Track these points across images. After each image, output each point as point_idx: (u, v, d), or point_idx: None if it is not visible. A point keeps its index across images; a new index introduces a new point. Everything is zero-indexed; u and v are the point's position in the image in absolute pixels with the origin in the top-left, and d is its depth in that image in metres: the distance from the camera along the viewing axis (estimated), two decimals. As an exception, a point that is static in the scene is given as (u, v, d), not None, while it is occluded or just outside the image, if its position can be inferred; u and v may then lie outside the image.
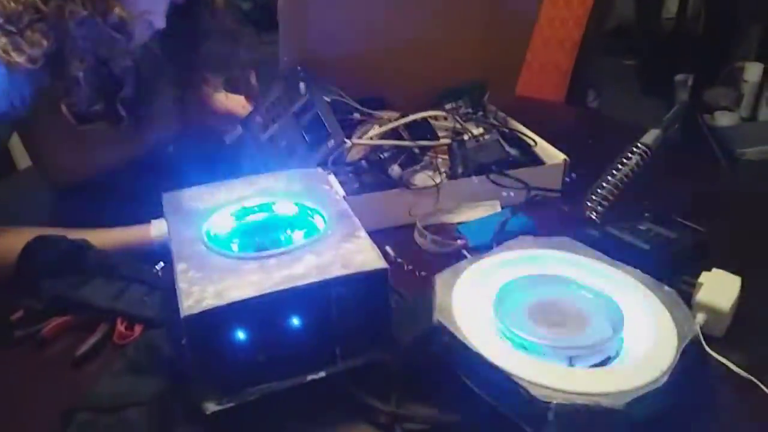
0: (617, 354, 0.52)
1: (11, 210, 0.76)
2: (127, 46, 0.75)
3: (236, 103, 0.99)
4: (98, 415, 0.51)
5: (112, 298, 0.65)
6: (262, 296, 0.51)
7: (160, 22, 0.77)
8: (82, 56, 0.73)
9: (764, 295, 0.66)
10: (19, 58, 0.67)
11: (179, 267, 0.55)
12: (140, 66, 0.81)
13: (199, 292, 0.51)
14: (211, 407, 0.52)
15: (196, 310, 0.49)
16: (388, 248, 0.75)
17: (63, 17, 0.69)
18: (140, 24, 0.75)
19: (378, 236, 0.58)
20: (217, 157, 0.97)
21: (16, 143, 0.98)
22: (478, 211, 0.83)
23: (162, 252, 0.73)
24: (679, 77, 2.81)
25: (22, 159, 1.11)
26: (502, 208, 0.84)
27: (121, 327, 0.63)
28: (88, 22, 0.70)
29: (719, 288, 0.62)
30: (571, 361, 0.51)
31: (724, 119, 2.33)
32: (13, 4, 0.66)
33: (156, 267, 0.71)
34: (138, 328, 0.63)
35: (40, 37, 0.69)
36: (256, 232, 0.63)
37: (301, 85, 0.85)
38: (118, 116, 0.83)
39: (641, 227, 0.73)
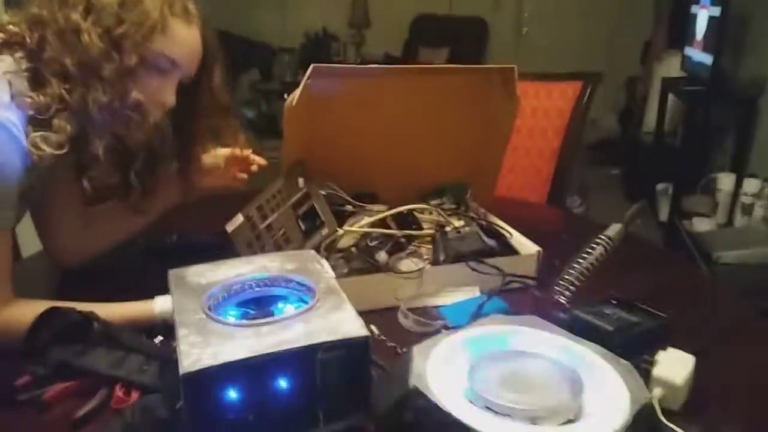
0: (576, 418, 0.56)
1: (19, 292, 0.82)
2: (142, 123, 0.83)
3: (223, 155, 1.05)
4: (94, 469, 0.55)
5: (113, 365, 0.70)
6: (253, 358, 0.56)
7: (171, 100, 0.85)
8: (101, 136, 0.81)
9: (720, 374, 0.72)
10: (47, 149, 0.76)
11: (181, 332, 0.60)
12: (151, 140, 0.88)
13: (198, 353, 0.57)
14: (202, 466, 0.56)
15: (194, 369, 0.55)
16: (373, 327, 0.81)
17: (86, 105, 0.77)
18: (154, 104, 0.84)
19: (364, 317, 0.63)
20: (217, 244, 1.05)
21: (20, 230, 1.06)
22: (458, 295, 0.90)
23: (163, 327, 0.79)
24: (660, 186, 2.98)
25: (25, 247, 1.18)
26: (481, 293, 0.90)
27: (119, 392, 0.68)
28: (109, 106, 0.78)
29: (674, 365, 0.67)
30: (534, 423, 0.55)
31: (701, 225, 2.44)
32: (42, 98, 0.75)
33: (155, 340, 0.77)
34: (135, 395, 0.68)
35: (65, 123, 0.77)
36: (253, 305, 0.69)
37: (300, 179, 0.94)
38: (130, 187, 0.90)
39: (607, 311, 0.79)
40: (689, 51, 2.95)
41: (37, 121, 0.76)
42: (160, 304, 0.80)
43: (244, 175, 1.08)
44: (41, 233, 0.99)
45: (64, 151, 0.78)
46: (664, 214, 2.75)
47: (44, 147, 0.76)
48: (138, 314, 0.81)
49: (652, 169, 3.10)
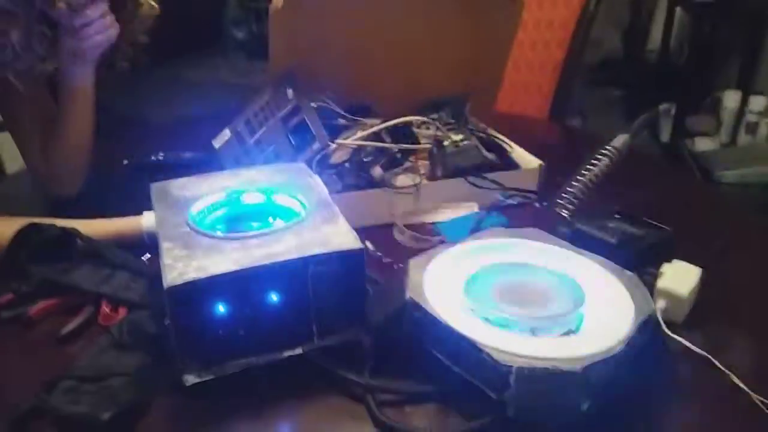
0: (578, 329, 0.55)
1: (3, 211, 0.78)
2: None
3: None
4: (81, 383, 0.53)
5: (99, 282, 0.67)
6: (242, 271, 0.54)
7: None
8: (18, 21, 0.73)
9: (725, 287, 0.70)
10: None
11: (165, 245, 0.57)
12: None
13: (183, 267, 0.54)
14: (191, 379, 0.55)
15: (179, 282, 0.52)
16: (368, 243, 0.78)
17: None
18: None
19: (359, 234, 0.60)
20: (205, 160, 1.01)
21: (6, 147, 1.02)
22: (456, 211, 0.87)
23: (151, 244, 0.76)
24: (662, 106, 2.90)
25: (11, 163, 1.14)
26: (480, 209, 0.87)
27: (106, 309, 0.65)
28: None
29: (679, 276, 0.65)
30: (534, 334, 0.53)
31: (704, 144, 2.39)
32: None
33: (143, 257, 0.74)
34: (122, 311, 0.66)
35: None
36: (240, 219, 0.66)
37: (289, 90, 0.89)
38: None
39: (610, 225, 0.76)
40: (700, -39, 2.79)
41: None
42: (148, 219, 0.77)
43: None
44: (26, 159, 0.95)
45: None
46: (665, 135, 2.69)
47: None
48: (125, 230, 0.78)
49: (655, 88, 3.01)
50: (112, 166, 1.04)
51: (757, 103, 2.27)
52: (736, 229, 0.89)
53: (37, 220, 0.72)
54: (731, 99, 2.40)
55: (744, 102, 2.35)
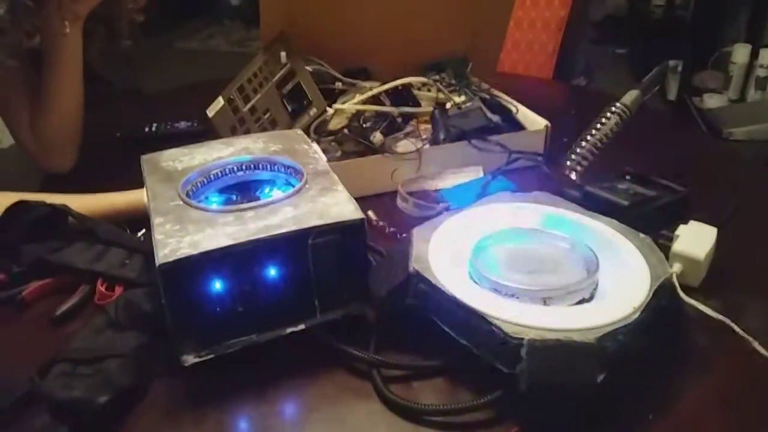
0: (592, 297, 0.52)
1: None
2: None
3: None
4: (76, 365, 0.51)
5: (92, 260, 0.65)
6: (237, 245, 0.51)
7: None
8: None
9: (741, 248, 0.67)
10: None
11: (156, 221, 0.55)
12: None
13: (176, 242, 0.51)
14: (190, 359, 0.53)
15: (171, 259, 0.50)
16: (370, 212, 0.75)
17: None
18: None
19: (361, 203, 0.57)
20: (199, 131, 0.98)
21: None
22: (461, 176, 0.84)
23: (147, 220, 0.73)
24: (669, 63, 2.82)
25: (6, 137, 1.11)
26: (485, 173, 0.84)
27: (101, 288, 0.63)
28: None
29: (695, 238, 0.62)
30: (545, 304, 0.51)
31: (712, 101, 2.34)
32: None
33: (138, 233, 0.72)
34: (118, 290, 0.63)
35: None
36: (235, 191, 0.63)
37: (282, 54, 0.85)
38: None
39: (621, 186, 0.73)
40: None
41: None
42: None
43: None
44: (15, 135, 0.91)
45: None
46: (672, 93, 2.63)
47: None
48: (125, 204, 0.75)
49: (661, 45, 2.93)
50: (103, 139, 1.01)
51: (766, 57, 2.20)
52: (749, 186, 0.86)
53: (36, 195, 0.69)
54: (740, 53, 2.33)
55: (753, 56, 2.29)
